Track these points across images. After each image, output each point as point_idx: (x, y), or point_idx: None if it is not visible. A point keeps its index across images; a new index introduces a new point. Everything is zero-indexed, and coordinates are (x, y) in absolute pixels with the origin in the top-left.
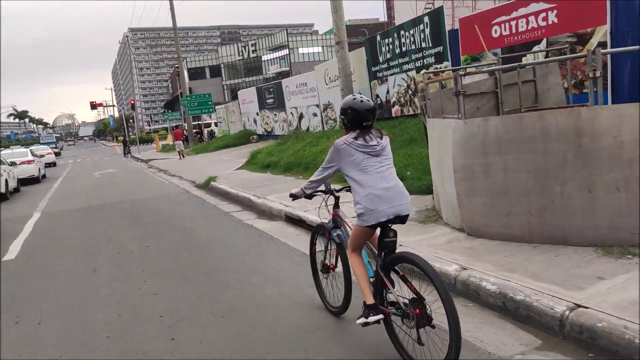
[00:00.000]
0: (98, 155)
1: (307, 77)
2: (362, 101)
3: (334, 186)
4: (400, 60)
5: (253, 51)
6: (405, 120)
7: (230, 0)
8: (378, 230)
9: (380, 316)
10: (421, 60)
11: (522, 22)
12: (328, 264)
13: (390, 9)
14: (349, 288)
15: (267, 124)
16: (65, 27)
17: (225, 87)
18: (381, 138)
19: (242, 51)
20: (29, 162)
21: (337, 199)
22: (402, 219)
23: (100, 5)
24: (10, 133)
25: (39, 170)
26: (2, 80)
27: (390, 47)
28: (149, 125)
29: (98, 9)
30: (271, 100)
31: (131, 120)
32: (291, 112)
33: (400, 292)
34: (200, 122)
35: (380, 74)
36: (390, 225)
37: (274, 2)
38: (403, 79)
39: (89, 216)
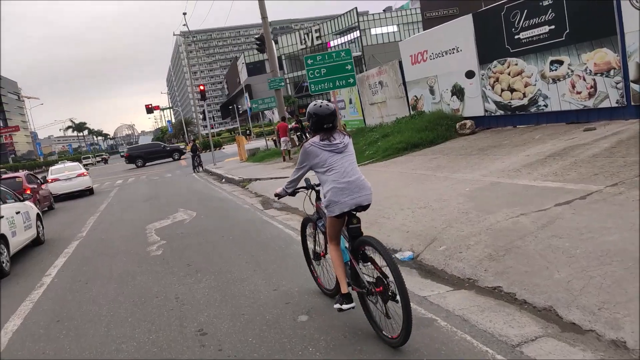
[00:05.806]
0: (156, 169)
1: None
2: (320, 106)
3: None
4: None
5: (317, 37)
6: None
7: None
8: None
9: (352, 305)
10: None
11: None
12: (319, 252)
13: None
14: None
15: (515, 90)
16: (119, 41)
17: (287, 81)
18: (344, 138)
19: (304, 39)
20: None
21: (317, 192)
22: (364, 208)
23: (152, 15)
24: (68, 147)
25: (10, 228)
26: (60, 95)
27: None
28: (212, 128)
29: (151, 21)
30: (542, 32)
31: (196, 121)
32: None
33: (367, 272)
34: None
35: None
36: (354, 213)
37: None
38: None
39: None
